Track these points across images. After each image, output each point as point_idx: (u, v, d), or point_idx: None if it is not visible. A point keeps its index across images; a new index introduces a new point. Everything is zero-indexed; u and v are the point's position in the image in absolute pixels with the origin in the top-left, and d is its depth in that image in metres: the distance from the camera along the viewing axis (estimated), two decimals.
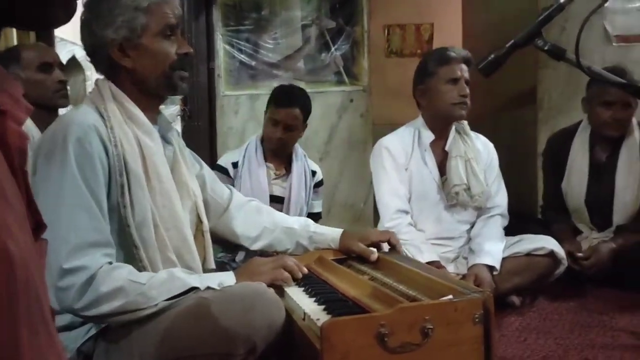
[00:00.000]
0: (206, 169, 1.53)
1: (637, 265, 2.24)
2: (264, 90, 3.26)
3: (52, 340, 0.50)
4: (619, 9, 3.34)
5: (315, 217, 2.53)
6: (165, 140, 1.35)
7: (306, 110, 2.34)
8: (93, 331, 1.16)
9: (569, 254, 2.21)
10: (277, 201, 2.33)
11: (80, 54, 2.93)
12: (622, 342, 1.78)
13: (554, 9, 1.12)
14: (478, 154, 2.20)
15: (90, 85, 2.83)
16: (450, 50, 2.17)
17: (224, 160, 2.42)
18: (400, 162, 2.18)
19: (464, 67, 2.13)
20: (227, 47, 3.52)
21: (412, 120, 2.29)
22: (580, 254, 2.29)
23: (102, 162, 1.17)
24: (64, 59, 2.61)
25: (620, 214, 2.41)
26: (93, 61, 1.30)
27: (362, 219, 3.61)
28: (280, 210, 2.37)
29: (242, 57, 3.52)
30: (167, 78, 1.28)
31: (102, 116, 1.22)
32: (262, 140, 2.40)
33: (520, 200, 3.14)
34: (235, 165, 2.37)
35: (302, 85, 3.55)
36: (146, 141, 1.25)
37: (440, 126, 2.19)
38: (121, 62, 1.26)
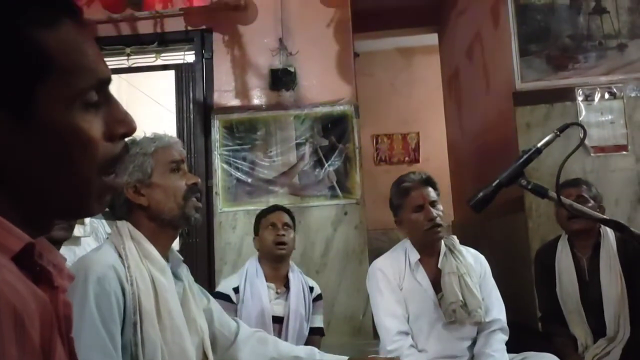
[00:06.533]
0: (213, 302, 1.57)
1: None
2: (260, 206, 3.34)
3: None
4: (593, 122, 3.58)
5: (316, 331, 2.51)
6: (176, 276, 1.41)
7: (289, 212, 2.59)
8: None
9: None
10: (276, 321, 2.34)
11: None
12: None
13: (532, 152, 1.25)
14: (470, 269, 2.23)
15: None
16: (407, 180, 2.22)
17: (224, 287, 2.42)
18: (394, 282, 2.21)
19: (424, 191, 2.19)
20: (225, 165, 3.67)
21: None
22: None
23: (118, 301, 1.22)
24: None
25: (610, 311, 2.50)
26: (111, 207, 1.39)
27: (362, 331, 3.57)
28: (280, 330, 2.37)
29: (239, 174, 3.66)
30: (180, 208, 1.38)
31: (120, 255, 1.30)
32: (260, 261, 2.46)
33: (517, 308, 3.15)
34: (236, 290, 2.39)
35: (297, 199, 3.68)
36: (160, 279, 1.32)
37: (425, 248, 2.24)
38: (136, 201, 1.36)
